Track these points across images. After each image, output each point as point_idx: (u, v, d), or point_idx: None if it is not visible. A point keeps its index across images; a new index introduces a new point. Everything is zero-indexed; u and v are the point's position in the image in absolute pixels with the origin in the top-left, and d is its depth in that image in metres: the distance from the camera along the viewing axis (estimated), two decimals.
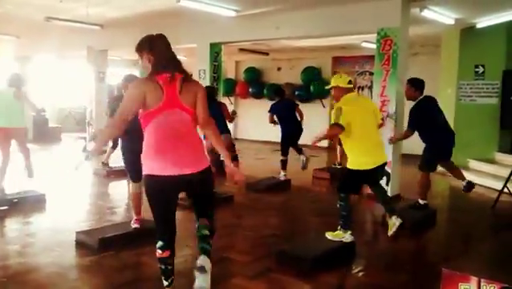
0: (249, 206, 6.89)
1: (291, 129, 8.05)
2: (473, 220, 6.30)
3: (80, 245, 4.65)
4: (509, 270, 4.28)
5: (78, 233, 4.80)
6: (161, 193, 3.04)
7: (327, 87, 4.97)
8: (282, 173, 8.15)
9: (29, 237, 5.06)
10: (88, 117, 12.38)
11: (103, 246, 4.52)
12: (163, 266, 3.17)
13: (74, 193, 7.34)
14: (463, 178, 6.25)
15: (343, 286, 4.05)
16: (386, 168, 7.03)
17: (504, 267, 4.45)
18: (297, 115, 8.11)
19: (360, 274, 4.33)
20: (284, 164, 8.14)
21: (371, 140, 4.67)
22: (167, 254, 3.14)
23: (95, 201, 6.94)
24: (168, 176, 2.94)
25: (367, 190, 7.28)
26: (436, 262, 4.45)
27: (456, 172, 6.38)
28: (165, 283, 3.20)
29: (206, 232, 3.21)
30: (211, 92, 6.90)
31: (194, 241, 5.07)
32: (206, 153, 3.22)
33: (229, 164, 3.26)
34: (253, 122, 14.71)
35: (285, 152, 8.13)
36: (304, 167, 8.19)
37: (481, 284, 2.31)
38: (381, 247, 5.38)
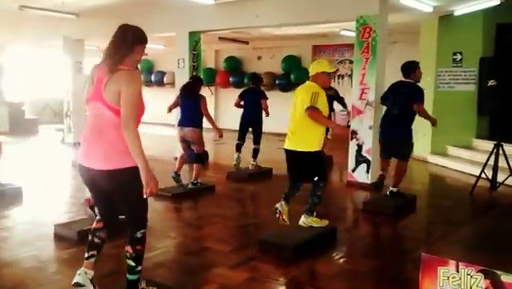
0: (231, 196, 6.87)
1: (245, 117, 8.16)
2: (452, 205, 6.39)
3: (59, 238, 4.58)
4: (486, 253, 4.36)
5: (56, 225, 4.72)
6: (83, 179, 3.04)
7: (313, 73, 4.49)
8: (236, 155, 8.09)
9: (5, 231, 4.95)
10: (66, 108, 12.16)
11: (83, 239, 4.43)
12: (89, 238, 3.17)
13: (52, 186, 7.22)
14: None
15: (325, 273, 4.07)
16: (366, 155, 7.15)
17: (482, 251, 4.53)
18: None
19: (341, 260, 4.36)
20: (238, 147, 8.16)
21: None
22: (99, 225, 3.17)
23: (74, 194, 6.83)
24: (81, 165, 2.95)
25: (348, 177, 7.36)
26: (416, 247, 4.51)
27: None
28: (85, 255, 3.15)
29: (130, 262, 3.09)
30: (188, 85, 6.77)
31: (176, 231, 5.06)
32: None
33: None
34: (235, 111, 14.63)
35: (240, 138, 8.18)
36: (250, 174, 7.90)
37: (460, 267, 2.34)
38: (362, 233, 5.43)
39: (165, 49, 14.76)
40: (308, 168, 4.52)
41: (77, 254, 4.24)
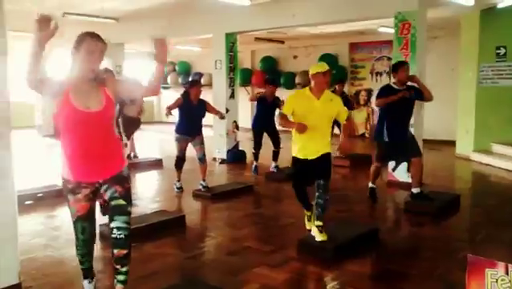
0: (269, 196, 6.89)
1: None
2: (497, 205, 6.19)
3: (104, 237, 4.69)
4: None
5: (101, 225, 4.83)
6: None
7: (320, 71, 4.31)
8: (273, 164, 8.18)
9: (54, 230, 5.14)
10: None
11: None
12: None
13: None
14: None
15: (367, 273, 4.02)
16: None
17: None
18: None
19: (383, 261, 4.30)
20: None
21: None
22: None
23: None
24: None
25: (389, 177, 7.24)
26: (461, 248, 4.40)
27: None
28: (84, 281, 3.30)
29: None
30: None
31: (216, 231, 5.12)
32: None
33: None
34: None
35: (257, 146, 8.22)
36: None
37: (510, 269, 2.27)
38: (404, 234, 5.34)
39: (202, 50, 14.95)
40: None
41: None
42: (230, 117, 9.44)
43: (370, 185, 6.21)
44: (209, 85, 12.78)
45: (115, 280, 3.02)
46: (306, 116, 4.27)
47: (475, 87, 9.29)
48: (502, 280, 2.29)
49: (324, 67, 4.32)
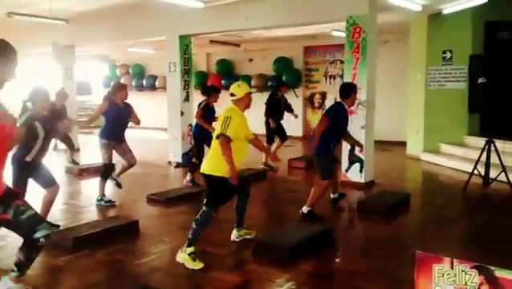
0: None
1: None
2: (445, 203, 6.42)
3: (53, 245, 4.53)
4: (480, 249, 4.40)
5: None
6: None
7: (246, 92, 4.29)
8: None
9: (0, 240, 4.91)
10: None
11: (77, 246, 4.44)
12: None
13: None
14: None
15: (321, 273, 4.07)
16: (359, 154, 7.16)
17: (476, 247, 4.57)
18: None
19: (337, 260, 4.37)
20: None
21: None
22: None
23: (68, 201, 6.80)
24: None
25: (342, 177, 7.36)
26: (412, 245, 4.52)
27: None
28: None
29: None
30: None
31: (170, 236, 5.04)
32: None
33: None
34: None
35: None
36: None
37: (454, 264, 2.35)
38: (357, 233, 5.45)
39: (156, 53, 14.73)
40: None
41: (71, 261, 4.23)
42: (185, 120, 9.35)
43: (307, 208, 5.50)
44: (164, 88, 12.65)
45: (17, 273, 3.26)
46: (246, 135, 4.34)
47: (424, 89, 9.62)
48: (448, 274, 2.36)
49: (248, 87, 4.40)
